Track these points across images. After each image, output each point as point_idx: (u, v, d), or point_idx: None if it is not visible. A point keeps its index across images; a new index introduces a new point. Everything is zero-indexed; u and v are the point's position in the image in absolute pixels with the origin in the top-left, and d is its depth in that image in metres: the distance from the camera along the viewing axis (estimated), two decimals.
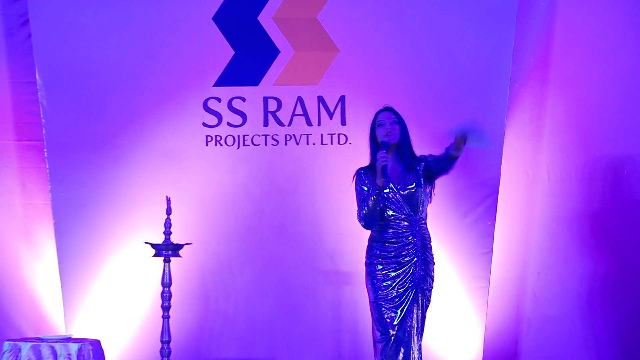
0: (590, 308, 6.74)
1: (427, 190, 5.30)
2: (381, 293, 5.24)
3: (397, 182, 5.27)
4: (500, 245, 6.87)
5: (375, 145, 5.34)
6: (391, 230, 5.26)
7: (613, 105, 6.66)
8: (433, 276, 5.32)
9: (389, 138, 5.29)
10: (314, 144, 6.86)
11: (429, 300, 5.31)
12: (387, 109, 5.38)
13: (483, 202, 6.76)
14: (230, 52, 6.85)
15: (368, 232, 5.47)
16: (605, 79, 6.70)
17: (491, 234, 6.73)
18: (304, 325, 6.72)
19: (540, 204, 6.89)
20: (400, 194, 5.26)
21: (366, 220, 5.26)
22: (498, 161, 6.68)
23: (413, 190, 5.25)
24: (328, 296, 6.75)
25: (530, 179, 6.98)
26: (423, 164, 5.27)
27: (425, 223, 5.33)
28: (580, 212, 6.79)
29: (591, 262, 6.76)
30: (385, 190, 5.21)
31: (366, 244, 5.46)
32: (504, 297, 6.90)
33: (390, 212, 5.25)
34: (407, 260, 5.22)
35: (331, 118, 6.86)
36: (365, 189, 5.28)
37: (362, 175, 5.33)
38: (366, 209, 5.22)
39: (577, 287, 6.75)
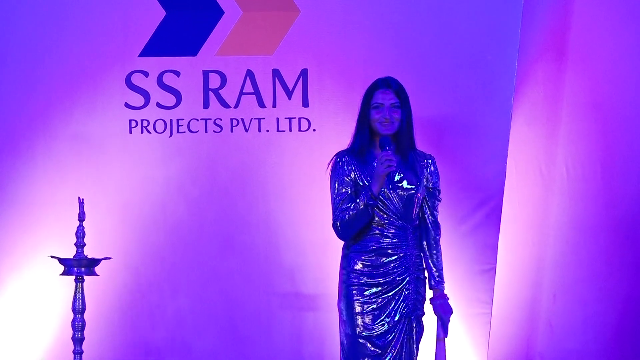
0: (620, 340, 6.59)
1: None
2: (367, 326, 4.90)
3: (394, 180, 4.97)
4: (506, 260, 6.71)
5: (365, 129, 4.98)
6: (376, 240, 4.95)
7: None
8: (425, 297, 5.09)
9: (387, 127, 4.94)
10: (267, 131, 6.62)
11: (423, 329, 5.04)
12: (388, 84, 4.98)
13: (484, 205, 6.53)
14: (161, 13, 6.62)
15: (337, 244, 5.19)
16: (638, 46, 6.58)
17: (494, 246, 6.50)
18: None
19: (556, 208, 6.80)
20: (397, 195, 4.94)
21: (346, 229, 4.93)
22: (503, 154, 6.46)
23: (413, 192, 4.96)
24: (286, 325, 6.58)
25: (544, 176, 6.88)
26: (431, 167, 5.06)
27: (417, 232, 5.09)
28: (609, 219, 6.64)
29: (621, 281, 6.60)
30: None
31: (335, 257, 5.19)
32: (511, 327, 6.78)
33: (378, 218, 4.95)
34: (397, 281, 4.94)
35: (290, 98, 6.63)
36: (348, 184, 4.97)
37: (346, 164, 4.95)
38: (349, 215, 4.86)
39: (602, 313, 6.62)
